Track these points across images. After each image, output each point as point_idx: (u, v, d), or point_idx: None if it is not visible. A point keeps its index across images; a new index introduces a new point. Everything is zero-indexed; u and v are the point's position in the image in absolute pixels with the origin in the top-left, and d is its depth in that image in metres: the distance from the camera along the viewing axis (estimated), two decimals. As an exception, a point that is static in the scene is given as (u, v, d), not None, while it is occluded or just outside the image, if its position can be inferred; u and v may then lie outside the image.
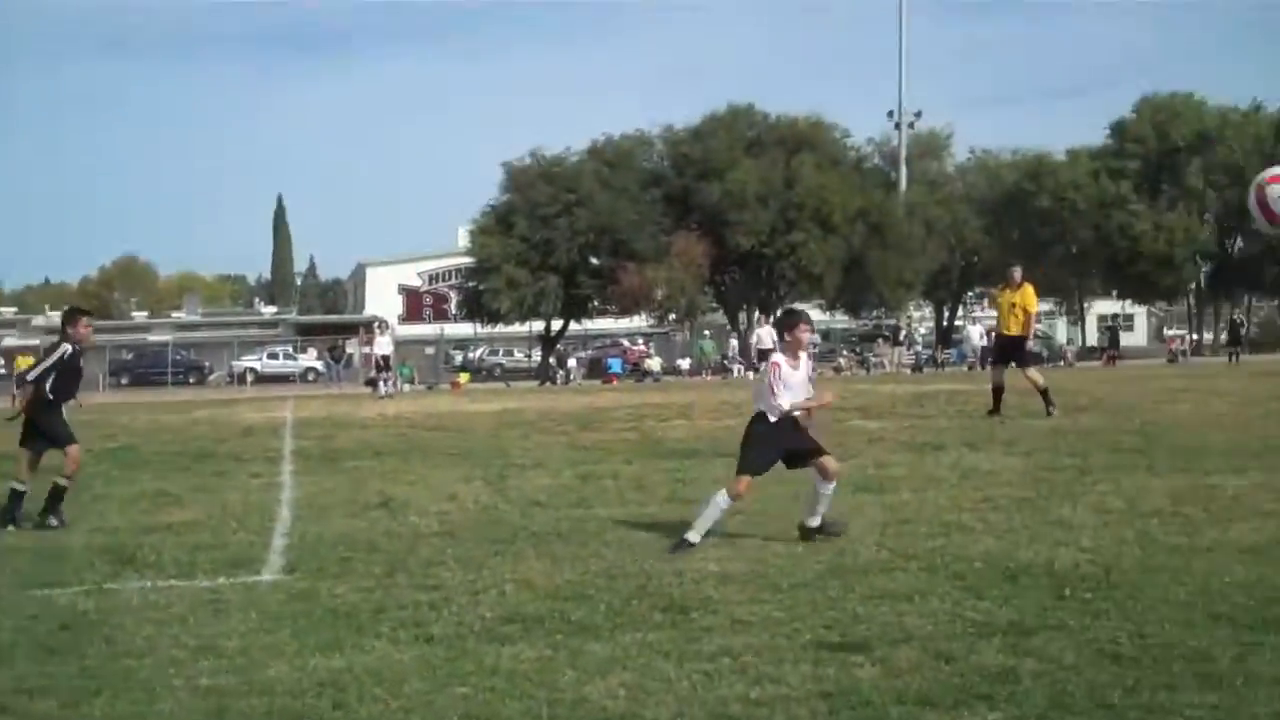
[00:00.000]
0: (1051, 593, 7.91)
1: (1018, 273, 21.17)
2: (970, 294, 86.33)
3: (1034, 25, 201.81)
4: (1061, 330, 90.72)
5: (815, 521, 10.15)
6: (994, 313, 78.41)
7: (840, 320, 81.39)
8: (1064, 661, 6.42)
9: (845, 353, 67.76)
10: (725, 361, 60.98)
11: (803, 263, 64.41)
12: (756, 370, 47.04)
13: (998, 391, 20.36)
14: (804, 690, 6.11)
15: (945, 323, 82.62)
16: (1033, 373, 20.42)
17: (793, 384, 10.18)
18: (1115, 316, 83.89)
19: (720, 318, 74.19)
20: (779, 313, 11.87)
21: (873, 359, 62.59)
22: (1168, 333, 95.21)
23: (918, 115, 74.31)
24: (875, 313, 76.31)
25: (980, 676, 6.21)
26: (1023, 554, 9.13)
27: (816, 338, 66.78)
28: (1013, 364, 20.52)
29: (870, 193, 68.46)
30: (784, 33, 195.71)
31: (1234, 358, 49.40)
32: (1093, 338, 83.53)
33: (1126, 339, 79.14)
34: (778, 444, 10.20)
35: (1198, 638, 6.75)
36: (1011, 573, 8.53)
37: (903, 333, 70.29)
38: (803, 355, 10.49)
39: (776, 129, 69.76)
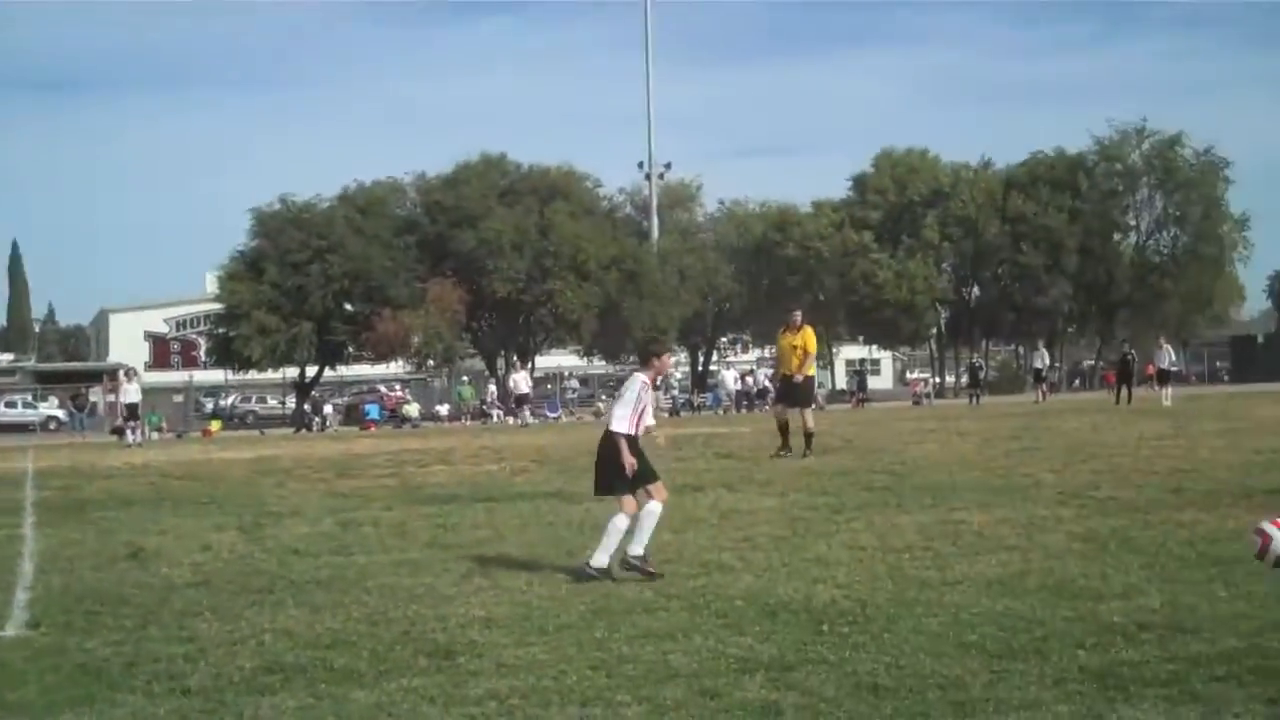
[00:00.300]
0: (810, 628, 8.08)
1: (798, 316, 21.65)
2: (724, 339, 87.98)
3: (777, 80, 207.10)
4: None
5: (639, 550, 10.21)
6: (747, 358, 79.85)
7: (598, 366, 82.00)
8: (824, 694, 6.56)
9: (604, 398, 68.17)
10: (484, 407, 60.76)
11: (560, 309, 64.84)
12: (515, 416, 47.05)
13: (783, 429, 20.79)
14: (589, 732, 6.12)
15: (700, 368, 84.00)
16: (808, 414, 20.89)
17: (649, 406, 10.60)
18: (863, 361, 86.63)
19: (479, 363, 74.01)
20: (644, 341, 12.00)
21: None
22: (910, 376, 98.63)
23: (668, 166, 75.70)
24: (632, 358, 77.16)
25: (744, 711, 6.30)
26: (782, 591, 9.32)
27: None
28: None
29: (624, 241, 69.41)
30: (534, 83, 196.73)
31: (974, 400, 51.38)
32: (842, 381, 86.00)
33: (873, 382, 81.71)
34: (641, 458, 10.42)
35: (950, 667, 6.98)
36: (771, 609, 8.69)
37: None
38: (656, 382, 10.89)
39: (529, 178, 70.18)
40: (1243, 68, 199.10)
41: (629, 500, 10.40)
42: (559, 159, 75.77)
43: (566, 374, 77.16)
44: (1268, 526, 9.10)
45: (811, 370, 21.10)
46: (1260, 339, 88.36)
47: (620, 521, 10.29)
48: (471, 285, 64.93)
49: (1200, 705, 6.10)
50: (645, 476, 10.51)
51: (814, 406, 22.01)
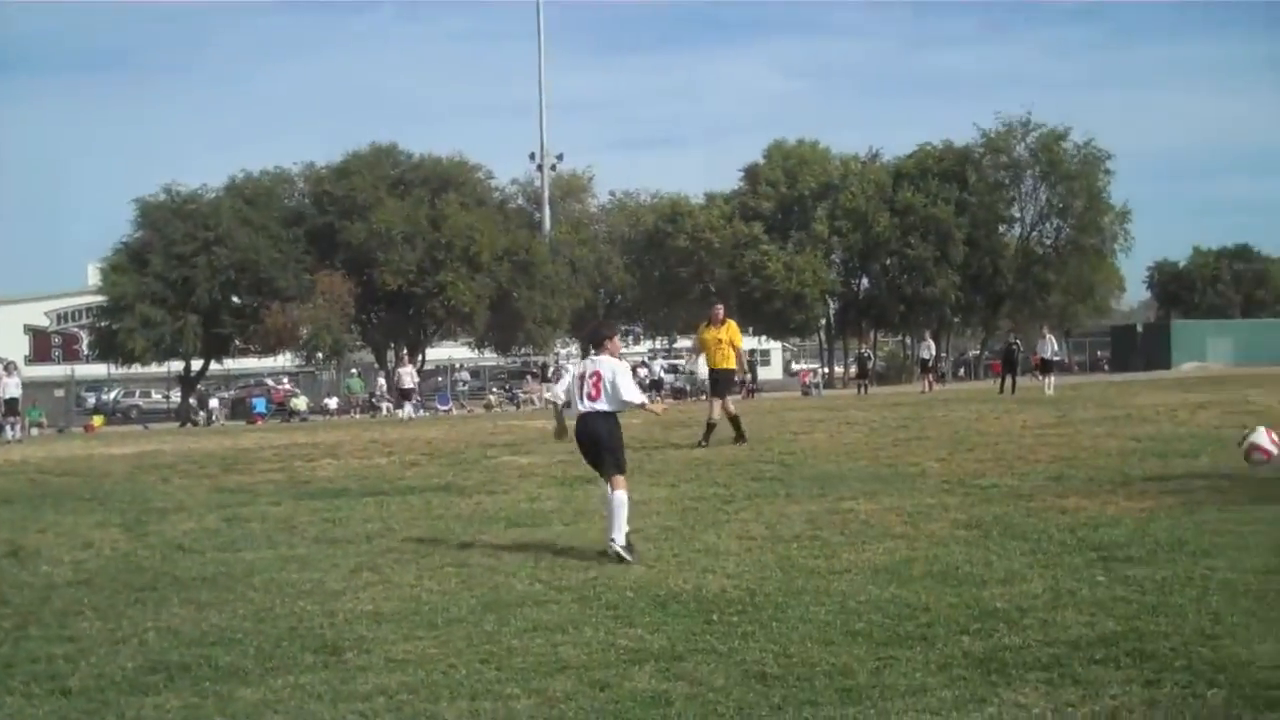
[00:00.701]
0: (700, 618, 8.14)
1: (720, 310, 21.94)
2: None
3: (670, 71, 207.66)
4: (703, 366, 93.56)
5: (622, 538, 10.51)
6: (639, 349, 79.80)
7: (490, 358, 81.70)
8: (714, 684, 6.61)
9: (495, 390, 68.01)
10: (374, 400, 60.25)
11: (451, 301, 64.45)
12: (402, 408, 46.64)
13: (713, 425, 20.97)
14: (461, 725, 6.10)
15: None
16: (728, 403, 21.09)
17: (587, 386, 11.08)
18: (753, 351, 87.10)
19: (368, 356, 73.37)
20: (593, 325, 12.17)
21: (522, 395, 63.02)
22: (796, 367, 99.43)
23: (560, 157, 75.52)
24: (524, 350, 76.95)
25: (634, 702, 6.34)
26: (672, 582, 9.36)
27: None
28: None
29: (516, 232, 69.15)
30: (425, 73, 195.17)
31: (862, 390, 51.97)
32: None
33: (763, 373, 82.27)
34: None
35: (837, 655, 7.07)
36: (662, 600, 8.73)
37: (551, 369, 71.14)
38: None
39: (420, 168, 69.66)
40: (1123, 62, 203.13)
41: (620, 479, 10.80)
42: (450, 149, 75.42)
43: (458, 366, 76.75)
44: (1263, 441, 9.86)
45: (733, 363, 21.35)
46: (1140, 329, 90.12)
47: (621, 496, 10.65)
48: (361, 277, 64.34)
49: (1080, 688, 6.23)
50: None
51: (708, 397, 22.05)
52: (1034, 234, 78.10)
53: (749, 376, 25.20)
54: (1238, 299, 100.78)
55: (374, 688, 6.77)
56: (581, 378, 11.20)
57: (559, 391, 11.86)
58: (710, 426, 20.84)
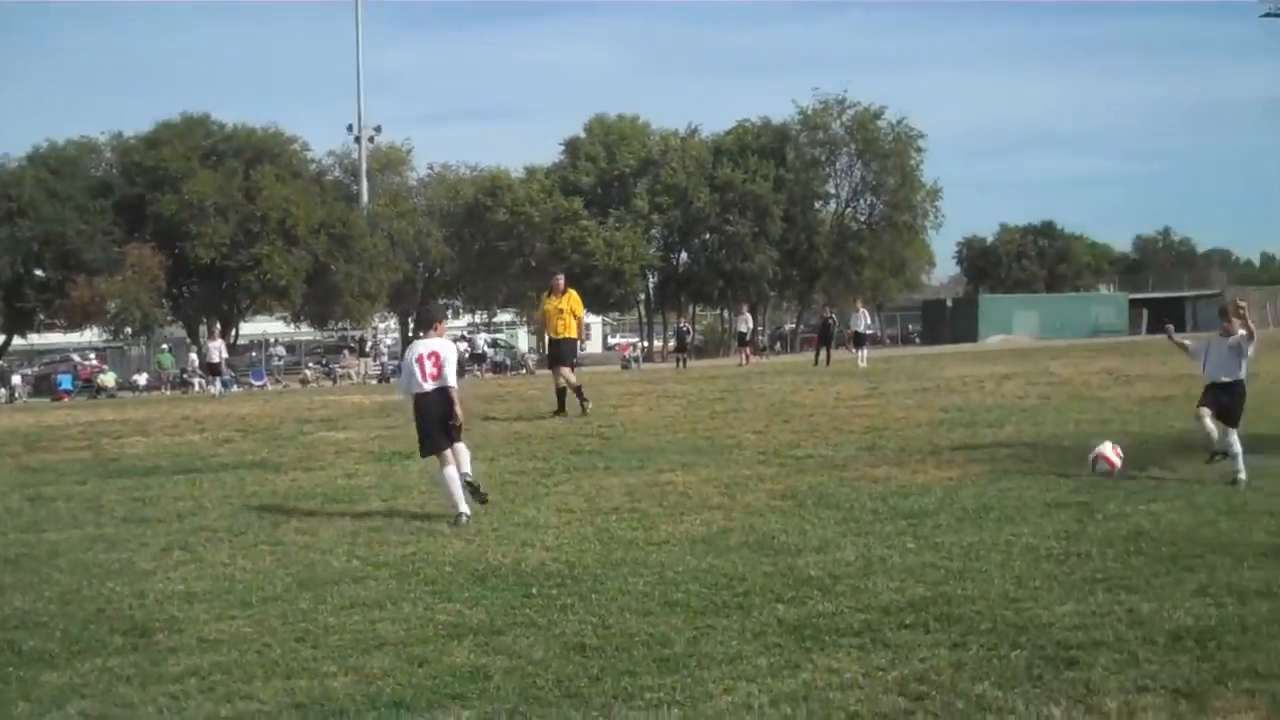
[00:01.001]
0: (519, 591, 8.14)
1: (561, 280, 21.91)
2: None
3: (491, 43, 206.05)
4: (523, 339, 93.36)
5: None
6: (459, 323, 79.00)
7: (306, 332, 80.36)
8: (533, 657, 6.62)
9: (311, 365, 66.92)
10: (185, 375, 58.79)
11: (267, 275, 63.10)
12: (212, 383, 45.58)
13: (561, 393, 20.98)
14: (276, 704, 6.03)
15: (410, 334, 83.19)
16: (568, 372, 21.07)
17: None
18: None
19: (180, 330, 71.54)
20: (424, 307, 12.47)
21: (339, 370, 62.15)
22: (612, 341, 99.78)
23: (378, 129, 74.39)
24: (341, 324, 75.81)
25: (453, 676, 6.32)
26: (491, 556, 9.35)
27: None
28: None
29: (333, 205, 67.95)
30: (238, 42, 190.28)
31: (681, 363, 52.30)
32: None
33: (583, 347, 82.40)
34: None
35: (655, 625, 7.14)
36: (481, 574, 8.72)
37: (368, 344, 70.27)
38: None
39: (234, 139, 67.97)
40: (936, 44, 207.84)
41: (448, 454, 11.30)
42: (265, 120, 73.82)
43: (273, 341, 75.33)
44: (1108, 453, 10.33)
45: (574, 332, 21.38)
46: (949, 303, 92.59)
47: (451, 472, 11.20)
48: (173, 250, 62.61)
49: (890, 651, 6.39)
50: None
51: (529, 371, 21.93)
52: (849, 210, 79.50)
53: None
54: (1042, 274, 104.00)
55: (185, 669, 6.64)
56: (420, 359, 11.46)
57: (405, 383, 11.98)
58: (561, 393, 20.93)
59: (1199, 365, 12.66)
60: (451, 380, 11.43)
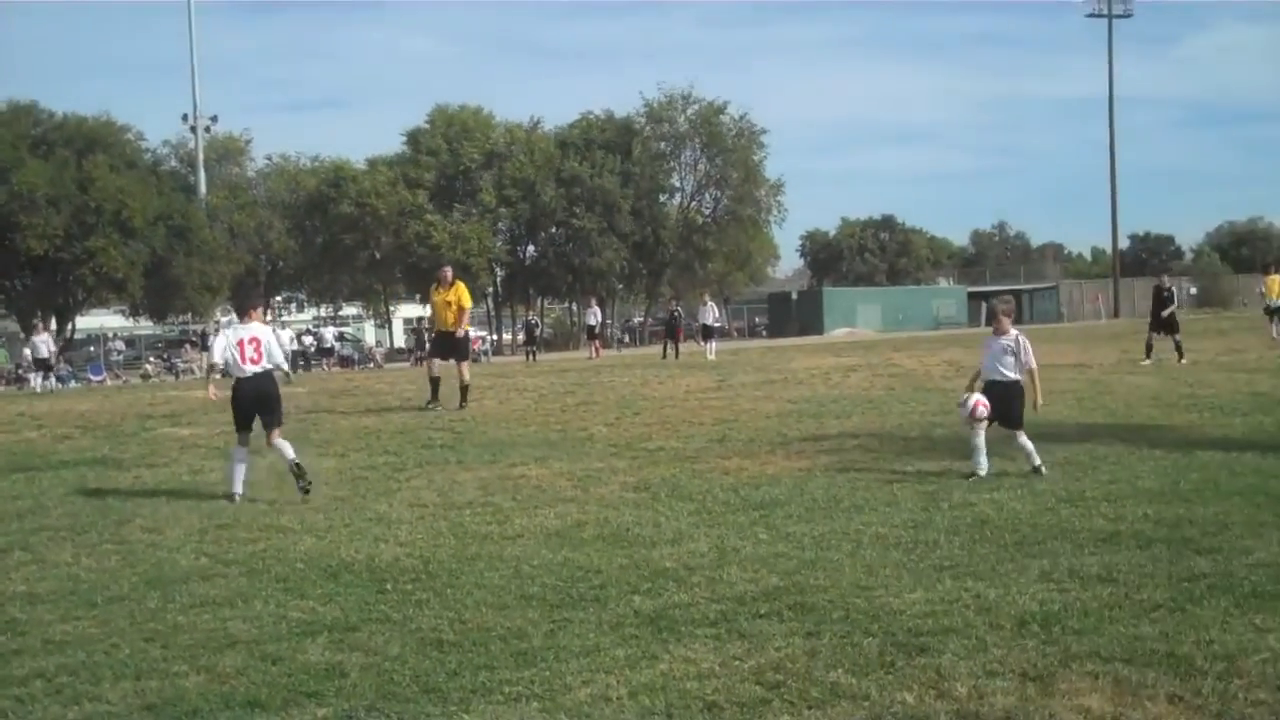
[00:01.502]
0: (373, 587, 8.08)
1: (449, 272, 21.74)
2: (278, 298, 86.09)
3: (330, 32, 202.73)
4: (370, 333, 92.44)
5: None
6: (303, 316, 77.75)
7: (145, 326, 78.57)
8: (389, 653, 6.58)
9: (152, 359, 65.43)
10: (20, 370, 57.00)
11: (103, 268, 61.45)
12: (42, 380, 44.25)
13: (435, 383, 20.81)
14: (126, 705, 5.91)
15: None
16: (465, 368, 20.88)
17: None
18: (421, 320, 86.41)
19: (13, 325, 69.37)
20: (239, 296, 13.50)
21: (181, 365, 60.84)
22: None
23: (214, 119, 72.90)
24: (182, 318, 74.27)
25: (308, 674, 6.25)
26: (344, 552, 9.26)
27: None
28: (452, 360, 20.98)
29: (170, 196, 66.39)
30: (64, 29, 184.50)
31: (531, 356, 52.29)
32: (400, 339, 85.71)
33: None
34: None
35: (512, 619, 7.14)
36: (334, 571, 8.63)
37: (210, 338, 68.94)
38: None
39: (64, 128, 66.01)
40: (777, 38, 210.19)
41: (279, 431, 12.37)
42: (97, 109, 71.89)
43: (111, 335, 73.50)
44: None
45: (468, 325, 21.24)
46: (794, 296, 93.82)
47: (244, 452, 12.04)
48: (3, 241, 60.68)
49: (746, 641, 6.47)
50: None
51: (376, 365, 21.74)
52: (693, 204, 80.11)
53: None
54: (883, 267, 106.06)
55: (31, 671, 6.47)
56: (241, 344, 12.06)
57: (215, 359, 12.49)
58: (435, 384, 20.78)
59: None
60: (281, 362, 12.50)
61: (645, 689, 5.77)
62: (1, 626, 7.40)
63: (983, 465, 11.49)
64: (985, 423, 11.65)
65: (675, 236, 77.15)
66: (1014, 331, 12.16)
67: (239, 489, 12.01)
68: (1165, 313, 26.76)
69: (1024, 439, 11.76)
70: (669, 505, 10.76)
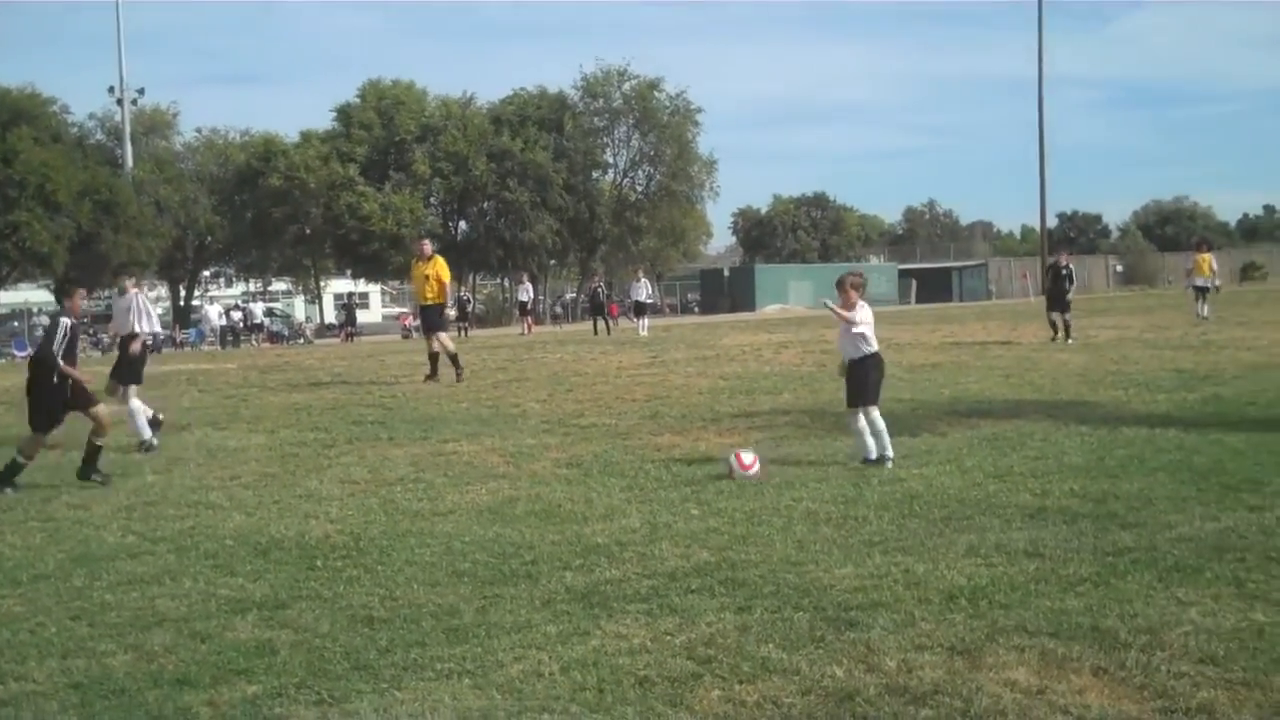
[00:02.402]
0: (304, 564, 8.03)
1: (428, 246, 21.83)
2: (206, 273, 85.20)
3: (255, 4, 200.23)
4: (300, 308, 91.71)
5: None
6: (232, 291, 77.08)
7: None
8: (319, 630, 6.54)
9: (84, 335, 64.56)
10: (-61, 347, 56.17)
11: (27, 243, 60.45)
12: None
13: (434, 358, 21.00)
14: (52, 684, 5.84)
15: (182, 303, 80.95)
16: (444, 339, 20.87)
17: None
18: (351, 295, 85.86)
19: (-68, 300, 68.32)
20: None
21: (107, 340, 60.10)
22: (390, 311, 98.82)
23: (141, 92, 71.82)
24: (107, 293, 73.30)
25: (237, 652, 6.21)
26: (273, 529, 9.20)
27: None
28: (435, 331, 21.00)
29: (96, 170, 65.39)
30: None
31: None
32: (330, 315, 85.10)
33: (363, 316, 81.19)
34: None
35: (443, 595, 7.12)
36: (263, 548, 8.57)
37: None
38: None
39: (-14, 100, 64.87)
40: (715, 15, 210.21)
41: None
42: (20, 81, 70.59)
43: (36, 310, 72.40)
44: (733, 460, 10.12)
45: (442, 297, 21.20)
46: (727, 273, 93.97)
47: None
48: (-77, 216, 59.60)
49: (677, 616, 6.49)
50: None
51: (307, 341, 21.62)
52: (627, 180, 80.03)
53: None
54: (815, 244, 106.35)
55: (-47, 651, 6.38)
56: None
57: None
58: (434, 359, 20.78)
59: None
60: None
61: (577, 664, 5.78)
62: (-77, 605, 7.30)
63: (869, 448, 11.14)
64: (860, 409, 11.31)
65: (609, 213, 77.03)
66: (861, 304, 11.71)
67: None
68: (1069, 293, 26.73)
69: (877, 416, 11.31)
70: (601, 481, 10.77)
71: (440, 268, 21.30)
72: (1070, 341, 24.97)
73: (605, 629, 6.34)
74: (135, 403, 14.22)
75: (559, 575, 7.46)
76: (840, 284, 11.94)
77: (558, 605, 6.82)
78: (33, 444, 11.80)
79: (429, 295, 21.16)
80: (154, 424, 14.34)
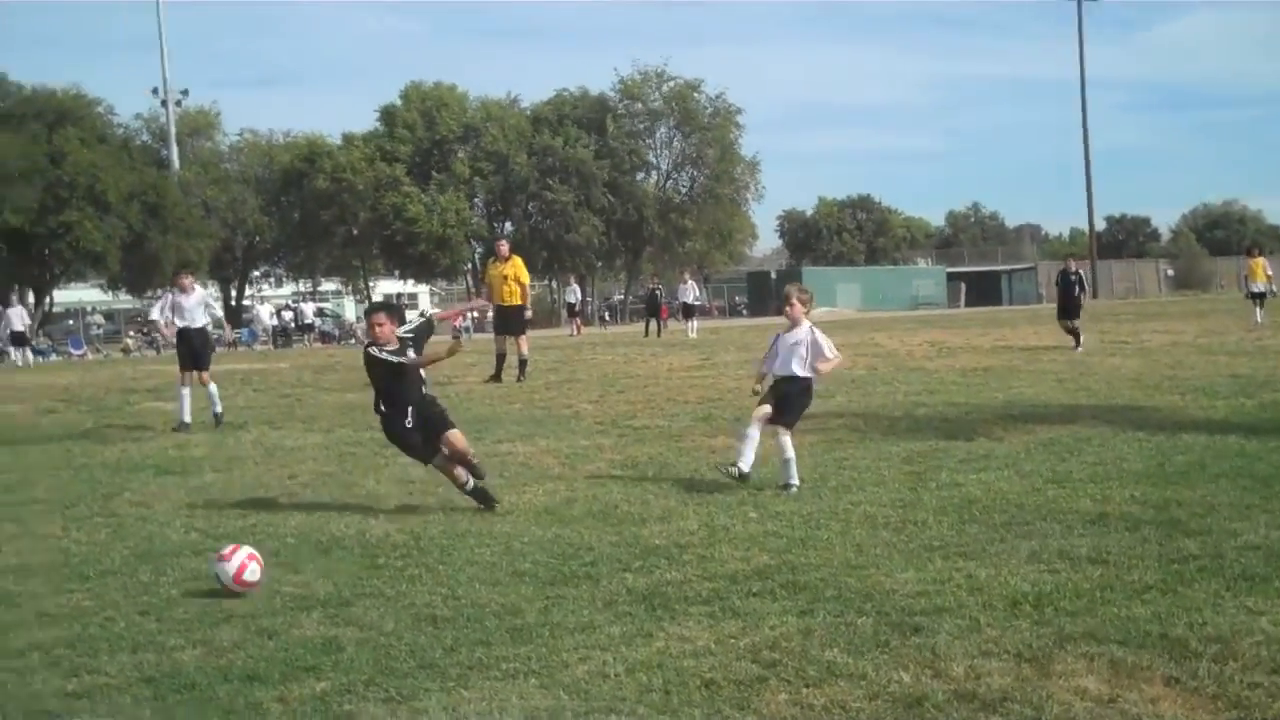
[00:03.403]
0: (365, 563, 8.08)
1: (505, 247, 21.91)
2: (256, 273, 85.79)
3: (295, 7, 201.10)
4: (350, 308, 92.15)
5: None
6: (282, 291, 77.53)
7: (125, 300, 78.15)
8: (385, 628, 6.58)
9: (133, 333, 65.16)
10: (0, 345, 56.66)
11: (80, 243, 61.04)
12: (18, 354, 44.00)
13: (500, 359, 21.17)
14: (125, 678, 5.90)
15: (234, 303, 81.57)
16: (523, 342, 20.91)
17: None
18: (399, 295, 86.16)
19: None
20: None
21: (161, 340, 60.55)
22: (433, 312, 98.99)
23: (185, 93, 72.42)
24: (159, 292, 73.90)
25: (304, 649, 6.25)
26: (334, 527, 9.26)
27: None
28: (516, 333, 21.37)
29: (143, 171, 65.89)
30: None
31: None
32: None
33: (412, 317, 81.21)
34: None
35: (506, 595, 7.15)
36: (325, 546, 8.64)
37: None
38: None
39: (33, 101, 65.36)
40: (756, 15, 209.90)
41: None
42: (66, 82, 71.26)
43: (90, 309, 73.17)
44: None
45: (520, 299, 21.19)
46: (773, 275, 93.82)
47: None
48: (-23, 216, 60.18)
49: (740, 619, 6.49)
50: None
51: (358, 341, 21.61)
52: (670, 182, 79.98)
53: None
54: (861, 247, 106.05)
55: (27, 644, 6.46)
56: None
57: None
58: (500, 359, 20.84)
59: (766, 362, 11.18)
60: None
61: (642, 666, 5.78)
62: (-4, 599, 7.39)
63: (746, 459, 10.40)
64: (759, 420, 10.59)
65: (654, 214, 77.01)
66: (807, 324, 10.79)
67: (186, 418, 15.98)
68: (1085, 297, 26.32)
69: (788, 442, 10.45)
70: (657, 483, 10.78)
71: (519, 268, 21.33)
72: (1078, 350, 24.63)
73: (669, 631, 6.35)
74: (214, 386, 16.61)
75: (620, 577, 7.47)
76: (787, 298, 10.92)
77: (620, 606, 6.84)
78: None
79: (508, 297, 21.16)
80: (217, 419, 16.38)
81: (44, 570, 8.14)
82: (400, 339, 9.91)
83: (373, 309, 10.43)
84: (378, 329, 9.86)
